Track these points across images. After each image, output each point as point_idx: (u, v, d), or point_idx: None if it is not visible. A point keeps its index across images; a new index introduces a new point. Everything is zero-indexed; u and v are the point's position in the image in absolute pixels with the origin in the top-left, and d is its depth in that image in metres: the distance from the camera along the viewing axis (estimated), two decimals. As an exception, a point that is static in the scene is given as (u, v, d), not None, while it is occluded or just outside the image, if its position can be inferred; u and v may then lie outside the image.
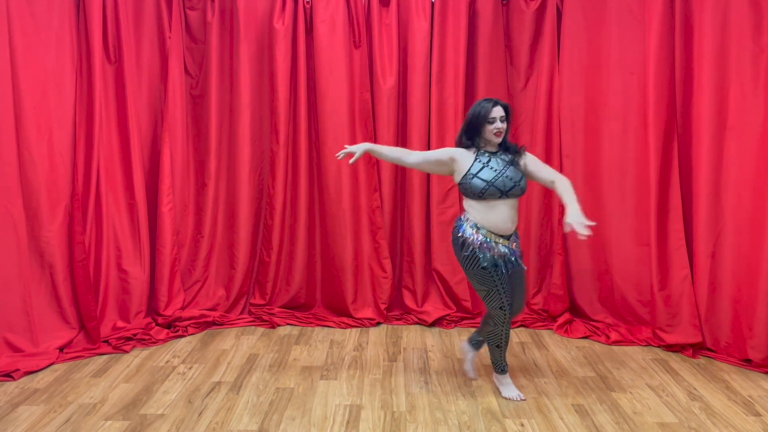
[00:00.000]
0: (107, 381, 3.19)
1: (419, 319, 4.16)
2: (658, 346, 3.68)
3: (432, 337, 3.90)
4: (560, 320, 4.02)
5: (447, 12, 4.03)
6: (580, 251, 4.08)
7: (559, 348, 3.70)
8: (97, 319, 3.64)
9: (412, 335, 3.95)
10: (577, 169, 4.00)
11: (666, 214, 3.69)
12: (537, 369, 3.37)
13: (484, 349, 3.64)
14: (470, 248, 2.82)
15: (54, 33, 3.55)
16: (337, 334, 3.97)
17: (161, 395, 3.03)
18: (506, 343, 2.98)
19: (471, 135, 2.89)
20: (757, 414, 2.83)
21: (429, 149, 3.99)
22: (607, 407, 2.90)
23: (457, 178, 2.89)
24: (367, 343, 3.81)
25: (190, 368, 3.38)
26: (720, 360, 3.46)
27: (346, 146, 3.02)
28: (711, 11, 3.41)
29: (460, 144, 2.95)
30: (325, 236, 4.21)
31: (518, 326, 4.05)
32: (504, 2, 4.10)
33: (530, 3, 4.06)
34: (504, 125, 2.85)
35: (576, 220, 2.61)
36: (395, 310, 4.27)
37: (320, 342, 3.81)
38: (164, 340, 3.78)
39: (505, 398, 2.98)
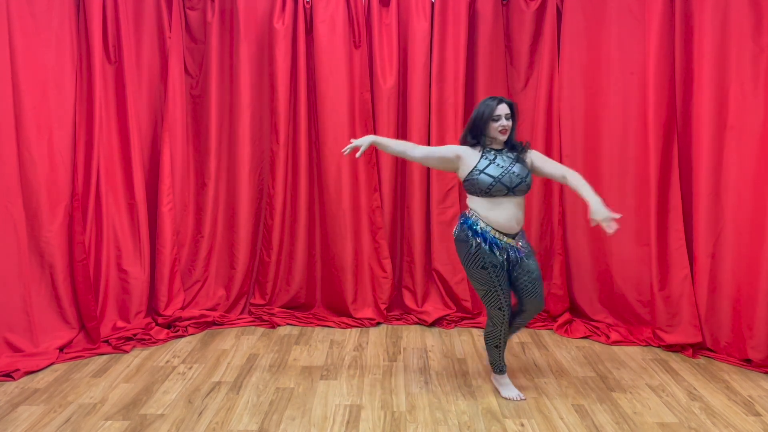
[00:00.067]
0: (107, 381, 3.19)
1: (419, 319, 4.16)
2: (658, 346, 3.68)
3: (432, 337, 3.90)
4: (560, 320, 4.02)
5: (447, 12, 4.04)
6: (580, 251, 4.08)
7: (559, 348, 3.70)
8: (97, 319, 3.64)
9: (412, 335, 3.95)
10: (577, 169, 3.91)
11: (666, 214, 3.69)
12: (537, 369, 3.37)
13: (484, 350, 3.65)
14: (472, 246, 2.82)
15: (54, 33, 3.55)
16: (337, 334, 3.97)
17: (161, 395, 3.03)
18: (504, 343, 2.98)
19: (476, 134, 2.88)
20: (757, 414, 2.83)
21: (430, 149, 4.00)
22: (607, 407, 2.90)
23: (463, 175, 2.87)
24: (367, 343, 3.81)
25: (190, 368, 3.38)
26: (720, 360, 3.46)
27: (351, 140, 3.00)
28: (711, 11, 3.41)
29: (464, 143, 2.93)
30: (325, 236, 4.21)
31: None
32: (504, 2, 4.10)
33: (530, 3, 4.06)
34: (509, 123, 2.84)
35: (603, 216, 2.63)
36: (395, 310, 4.27)
37: (320, 342, 3.81)
38: (164, 340, 3.78)
39: (505, 398, 2.98)
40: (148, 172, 4.05)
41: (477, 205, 2.85)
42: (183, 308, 4.06)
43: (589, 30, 3.95)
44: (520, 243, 2.87)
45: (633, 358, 3.52)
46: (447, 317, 4.13)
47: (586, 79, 3.98)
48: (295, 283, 4.25)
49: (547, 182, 4.11)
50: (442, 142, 4.05)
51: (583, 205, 4.20)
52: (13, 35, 3.32)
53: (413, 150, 2.97)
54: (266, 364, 3.45)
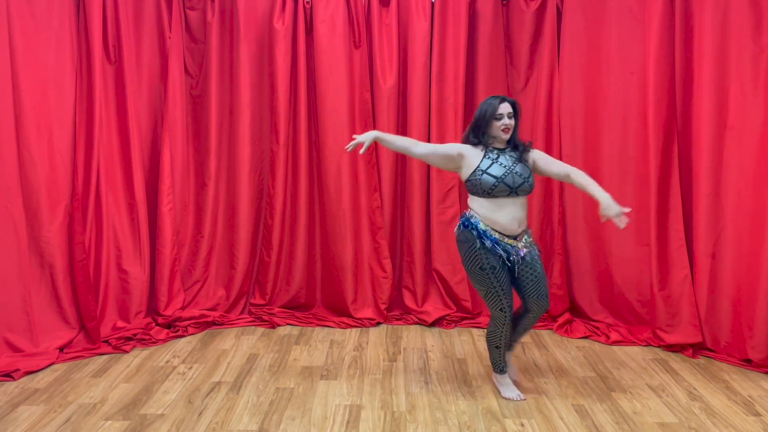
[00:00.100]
0: (107, 381, 3.19)
1: (419, 319, 4.15)
2: (658, 346, 3.68)
3: (432, 337, 3.90)
4: (560, 320, 4.02)
5: (447, 12, 4.04)
6: (580, 251, 4.08)
7: (559, 348, 3.70)
8: (97, 319, 3.64)
9: (412, 335, 3.95)
10: (577, 169, 4.00)
11: (666, 214, 3.69)
12: (537, 369, 3.37)
13: (484, 350, 3.64)
14: (472, 247, 2.81)
15: (54, 33, 3.55)
16: (337, 334, 3.97)
17: (161, 395, 3.03)
18: (505, 344, 2.97)
19: (478, 133, 2.87)
20: (757, 414, 2.83)
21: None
22: (607, 407, 2.90)
23: (465, 174, 2.86)
24: (367, 343, 3.80)
25: (190, 368, 3.38)
26: (720, 360, 3.46)
27: (354, 137, 2.98)
28: (711, 11, 3.41)
29: (467, 142, 2.92)
30: (325, 236, 4.21)
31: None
32: (504, 2, 4.10)
33: (530, 3, 4.06)
34: (512, 121, 2.83)
35: (615, 211, 2.63)
36: (395, 310, 4.27)
37: (320, 342, 3.81)
38: (164, 340, 3.78)
39: (505, 398, 2.98)
40: (148, 172, 4.05)
41: (478, 205, 2.84)
42: (183, 308, 4.06)
43: (589, 30, 3.95)
44: (522, 243, 2.85)
45: (633, 358, 3.52)
46: (447, 317, 4.13)
47: (586, 79, 3.98)
48: (295, 283, 4.25)
49: (548, 182, 4.11)
50: (442, 141, 4.04)
51: (583, 206, 4.19)
52: (13, 35, 3.32)
53: (415, 146, 2.96)
54: (266, 364, 3.44)
